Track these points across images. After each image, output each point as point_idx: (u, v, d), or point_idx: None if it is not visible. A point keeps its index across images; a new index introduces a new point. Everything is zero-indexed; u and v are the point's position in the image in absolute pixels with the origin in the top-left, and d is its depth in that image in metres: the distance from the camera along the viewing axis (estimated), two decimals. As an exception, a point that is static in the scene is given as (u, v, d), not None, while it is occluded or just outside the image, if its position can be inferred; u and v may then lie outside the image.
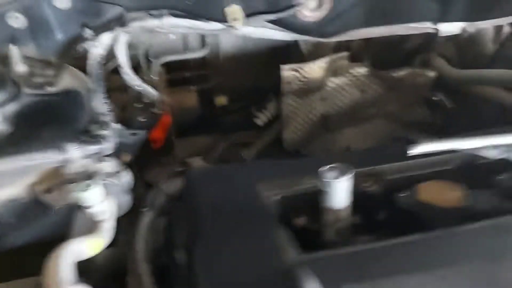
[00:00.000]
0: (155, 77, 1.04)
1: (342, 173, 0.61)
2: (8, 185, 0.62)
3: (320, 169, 0.62)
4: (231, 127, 1.31)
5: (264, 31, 0.97)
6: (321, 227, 0.66)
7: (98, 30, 0.82)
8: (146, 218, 0.74)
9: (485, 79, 1.18)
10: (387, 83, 1.24)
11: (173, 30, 0.91)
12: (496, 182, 0.70)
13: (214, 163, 1.19)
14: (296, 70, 1.15)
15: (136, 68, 1.06)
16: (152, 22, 0.89)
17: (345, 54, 1.17)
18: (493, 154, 0.69)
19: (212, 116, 1.25)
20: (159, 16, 0.90)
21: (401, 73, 1.23)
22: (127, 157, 0.85)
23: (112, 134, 0.69)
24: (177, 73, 1.17)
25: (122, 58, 0.88)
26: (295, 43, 1.19)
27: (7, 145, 0.64)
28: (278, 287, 0.51)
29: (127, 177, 0.66)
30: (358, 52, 1.26)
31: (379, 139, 1.32)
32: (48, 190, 0.61)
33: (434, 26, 1.04)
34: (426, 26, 1.03)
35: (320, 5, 0.88)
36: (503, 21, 1.06)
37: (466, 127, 1.16)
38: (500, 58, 1.27)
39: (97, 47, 0.81)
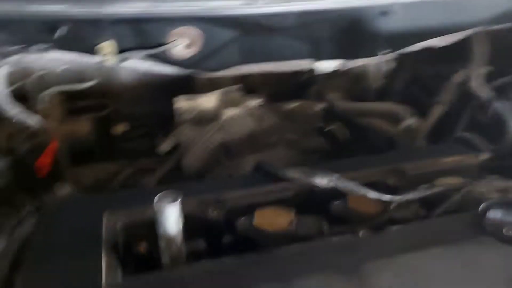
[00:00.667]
0: (42, 107, 1.07)
1: (173, 199, 0.66)
2: None
3: (156, 196, 0.67)
4: (133, 154, 1.34)
5: (149, 65, 1.04)
6: (159, 253, 0.70)
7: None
8: None
9: (365, 110, 1.28)
10: (281, 114, 1.32)
11: (54, 64, 0.96)
12: (330, 208, 0.78)
13: (115, 189, 1.23)
14: (190, 102, 1.21)
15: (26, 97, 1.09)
16: (32, 56, 0.94)
17: (237, 86, 1.24)
18: (323, 183, 0.76)
19: (112, 144, 1.29)
20: (41, 50, 0.94)
21: (292, 104, 1.31)
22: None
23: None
24: (75, 102, 1.21)
25: (1, 88, 0.92)
26: (193, 76, 1.26)
27: None
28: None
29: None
30: (255, 85, 1.34)
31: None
32: None
33: (310, 64, 1.13)
34: (303, 63, 1.12)
35: (190, 44, 0.94)
36: (370, 60, 1.16)
37: (357, 154, 1.27)
38: (386, 91, 1.39)
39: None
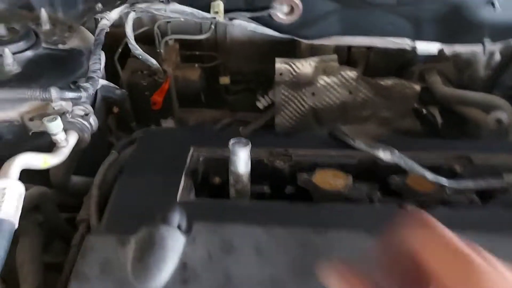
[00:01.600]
0: (162, 50, 1.24)
1: (244, 145, 0.78)
2: (7, 109, 0.86)
3: (231, 139, 0.79)
4: (233, 105, 1.48)
5: (254, 26, 1.15)
6: (228, 186, 0.82)
7: (109, 6, 1.03)
8: (111, 156, 0.95)
9: (466, 99, 1.25)
10: (376, 89, 1.35)
11: (173, 16, 1.11)
12: (388, 181, 0.83)
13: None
14: (289, 64, 1.29)
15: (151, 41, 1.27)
16: (157, 5, 1.10)
17: (334, 56, 1.29)
18: (387, 158, 0.81)
19: (216, 93, 1.44)
20: (165, 1, 1.10)
21: (389, 82, 1.33)
22: (116, 109, 1.07)
23: (93, 87, 0.89)
24: (189, 51, 1.37)
25: (129, 31, 1.10)
26: (297, 41, 1.33)
27: (12, 81, 0.87)
28: (157, 216, 0.68)
29: (92, 121, 0.87)
30: (353, 57, 1.38)
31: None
32: (32, 119, 0.84)
33: (411, 44, 1.13)
34: (403, 42, 1.13)
35: (291, 11, 1.02)
36: (476, 48, 1.13)
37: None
38: (492, 83, 1.33)
39: (105, 19, 1.02)
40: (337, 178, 0.81)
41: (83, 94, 0.86)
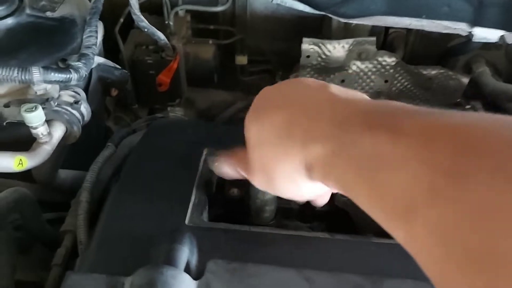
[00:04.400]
0: (171, 23, 1.06)
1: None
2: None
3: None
4: (250, 88, 1.31)
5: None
6: (249, 201, 0.66)
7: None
8: (106, 151, 0.78)
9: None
10: (415, 79, 1.17)
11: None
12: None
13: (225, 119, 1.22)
14: (318, 45, 1.11)
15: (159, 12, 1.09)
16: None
17: (373, 39, 1.11)
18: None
19: (231, 74, 1.26)
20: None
21: (432, 72, 1.15)
22: (115, 92, 0.90)
23: (86, 67, 0.72)
24: (203, 24, 1.19)
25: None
26: (328, 18, 1.15)
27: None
28: (161, 243, 0.53)
29: (83, 110, 0.70)
30: (394, 40, 1.19)
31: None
32: (7, 105, 0.67)
33: (468, 29, 0.95)
34: (458, 27, 0.95)
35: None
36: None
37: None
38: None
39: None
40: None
41: (74, 75, 0.69)
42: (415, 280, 0.50)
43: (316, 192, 0.46)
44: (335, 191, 0.42)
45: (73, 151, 0.84)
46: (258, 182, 0.47)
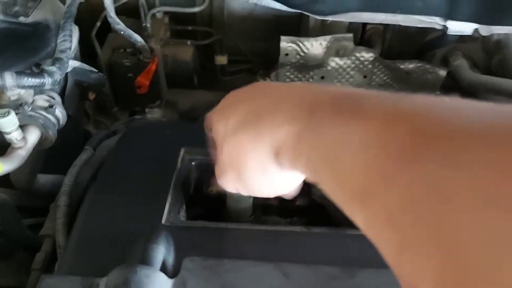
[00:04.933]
0: (148, 25, 1.06)
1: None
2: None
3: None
4: (231, 87, 1.31)
5: (258, -1, 0.97)
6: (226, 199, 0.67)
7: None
8: (84, 154, 0.78)
9: (496, 87, 1.09)
10: (394, 74, 1.18)
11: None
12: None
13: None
14: (296, 43, 1.12)
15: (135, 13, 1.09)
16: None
17: (350, 35, 1.12)
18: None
19: (211, 74, 1.27)
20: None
21: (410, 65, 1.16)
22: (92, 95, 0.90)
23: (60, 71, 0.72)
24: (181, 25, 1.19)
25: (108, 1, 0.91)
26: (305, 16, 1.15)
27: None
28: (137, 243, 0.53)
29: (58, 114, 0.70)
30: (371, 36, 1.21)
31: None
32: (-20, 110, 0.67)
33: (442, 23, 0.96)
34: (433, 21, 0.96)
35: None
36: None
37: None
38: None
39: (77, -12, 0.84)
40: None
41: (48, 80, 0.69)
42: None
43: (288, 183, 0.45)
44: (304, 176, 0.40)
45: (52, 156, 0.83)
46: (229, 182, 0.46)
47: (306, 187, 0.68)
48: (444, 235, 0.23)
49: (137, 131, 0.76)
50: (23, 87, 0.67)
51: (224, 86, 1.33)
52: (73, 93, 0.84)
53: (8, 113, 0.61)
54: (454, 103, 0.29)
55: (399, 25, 1.02)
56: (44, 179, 0.84)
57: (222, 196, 0.68)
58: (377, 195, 0.28)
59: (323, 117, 0.33)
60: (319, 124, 0.33)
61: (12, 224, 0.73)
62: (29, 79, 0.67)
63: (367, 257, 0.54)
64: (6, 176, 0.79)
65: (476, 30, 0.98)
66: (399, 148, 0.27)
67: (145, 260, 0.48)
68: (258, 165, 0.40)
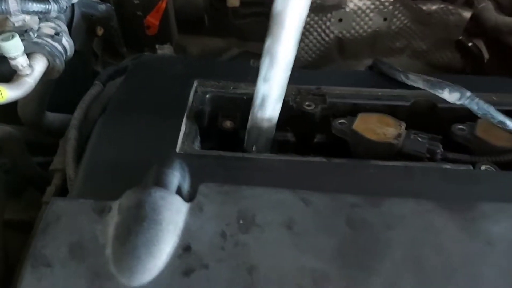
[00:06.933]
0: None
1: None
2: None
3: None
4: (243, 33, 1.26)
5: None
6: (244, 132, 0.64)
7: None
8: (94, 88, 0.75)
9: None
10: (415, 16, 1.12)
11: None
12: (451, 131, 0.64)
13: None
14: (314, -18, 1.06)
15: None
16: None
17: (370, -27, 1.06)
18: (452, 99, 0.62)
19: (223, 18, 1.21)
20: None
21: (432, 7, 1.10)
22: (101, 30, 0.86)
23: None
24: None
25: None
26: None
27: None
28: (148, 175, 0.50)
29: (65, 43, 0.66)
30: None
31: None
32: (-15, 36, 0.63)
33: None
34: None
35: None
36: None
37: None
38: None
39: None
40: (386, 125, 0.62)
41: (53, 6, 0.65)
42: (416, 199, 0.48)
43: None
44: None
45: (60, 95, 0.80)
46: None
47: (326, 122, 0.66)
48: None
49: (147, 64, 0.72)
50: (28, 12, 0.63)
51: (235, 31, 1.28)
52: (80, 26, 0.81)
53: (12, 36, 0.58)
54: None
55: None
56: (52, 116, 0.82)
57: (239, 130, 0.65)
58: None
59: None
60: None
61: (20, 158, 0.71)
62: (34, 4, 0.63)
63: (391, 187, 0.52)
64: (15, 113, 0.77)
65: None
66: None
67: (160, 184, 0.46)
68: None
